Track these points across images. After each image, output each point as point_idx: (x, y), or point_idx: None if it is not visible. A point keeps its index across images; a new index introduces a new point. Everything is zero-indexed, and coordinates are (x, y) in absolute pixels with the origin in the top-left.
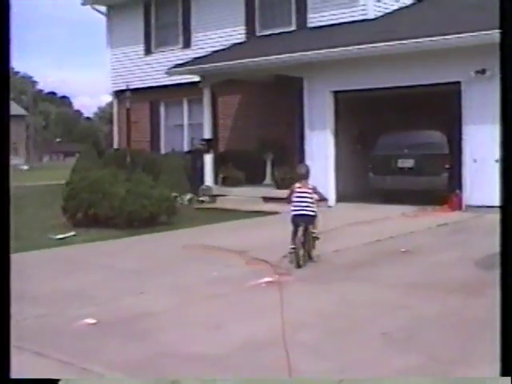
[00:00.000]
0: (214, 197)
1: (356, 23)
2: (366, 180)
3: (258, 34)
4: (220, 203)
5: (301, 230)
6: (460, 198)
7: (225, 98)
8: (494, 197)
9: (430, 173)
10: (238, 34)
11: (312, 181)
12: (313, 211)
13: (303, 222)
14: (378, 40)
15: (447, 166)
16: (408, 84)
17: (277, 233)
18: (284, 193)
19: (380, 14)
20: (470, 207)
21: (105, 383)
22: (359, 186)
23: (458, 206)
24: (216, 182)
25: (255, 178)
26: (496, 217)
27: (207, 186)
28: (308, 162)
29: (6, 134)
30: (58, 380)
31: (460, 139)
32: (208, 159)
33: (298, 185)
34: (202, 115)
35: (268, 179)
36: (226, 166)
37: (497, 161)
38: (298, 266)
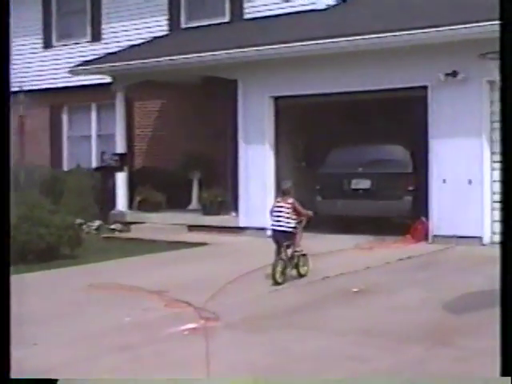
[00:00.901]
0: (128, 224)
1: (303, 14)
2: (312, 204)
3: (183, 25)
4: (135, 232)
5: (283, 245)
6: (426, 227)
7: (143, 103)
8: (467, 225)
9: (389, 196)
10: (159, 26)
11: (249, 204)
12: (289, 227)
13: (281, 237)
14: (328, 35)
15: (411, 188)
16: (364, 89)
17: (203, 269)
18: (213, 220)
19: (333, 2)
20: (437, 237)
21: (105, 383)
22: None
23: (424, 236)
24: (131, 206)
25: (179, 202)
26: (469, 249)
27: (120, 211)
28: (242, 182)
29: (7, 135)
30: (56, 380)
31: (426, 156)
32: (121, 178)
33: (278, 199)
34: (114, 124)
35: (194, 203)
36: (144, 187)
37: (470, 182)
38: (275, 283)
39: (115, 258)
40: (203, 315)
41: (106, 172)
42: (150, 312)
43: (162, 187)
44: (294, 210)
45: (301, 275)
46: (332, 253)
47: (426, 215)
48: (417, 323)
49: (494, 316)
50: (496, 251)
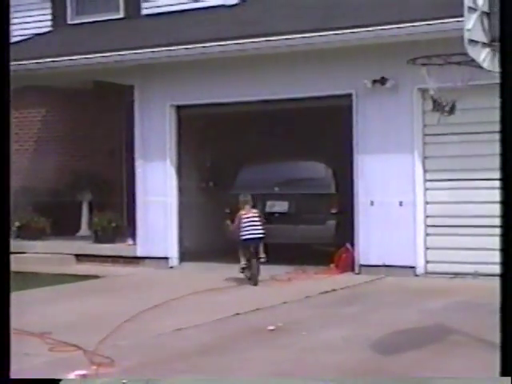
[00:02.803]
0: None
1: (211, 10)
2: (221, 230)
3: (70, 21)
4: (14, 264)
5: (249, 251)
6: (351, 255)
7: (22, 112)
8: (398, 253)
9: (310, 220)
10: (40, 21)
11: (148, 231)
12: (263, 234)
13: (255, 244)
14: (240, 35)
15: (334, 211)
16: (279, 97)
17: (94, 306)
18: (106, 248)
19: None
20: (365, 267)
21: (105, 383)
22: (212, 239)
23: (349, 266)
24: None
25: (66, 228)
26: (400, 280)
27: None
28: (140, 205)
29: (6, 134)
30: (58, 380)
31: (351, 174)
32: None
33: (243, 212)
34: None
35: (84, 229)
36: (24, 211)
37: (401, 204)
38: (255, 283)
39: None
40: (95, 360)
41: None
42: (31, 358)
43: (45, 211)
44: (260, 217)
45: (256, 284)
46: (244, 285)
47: (352, 242)
48: (339, 365)
49: (426, 357)
50: (430, 282)
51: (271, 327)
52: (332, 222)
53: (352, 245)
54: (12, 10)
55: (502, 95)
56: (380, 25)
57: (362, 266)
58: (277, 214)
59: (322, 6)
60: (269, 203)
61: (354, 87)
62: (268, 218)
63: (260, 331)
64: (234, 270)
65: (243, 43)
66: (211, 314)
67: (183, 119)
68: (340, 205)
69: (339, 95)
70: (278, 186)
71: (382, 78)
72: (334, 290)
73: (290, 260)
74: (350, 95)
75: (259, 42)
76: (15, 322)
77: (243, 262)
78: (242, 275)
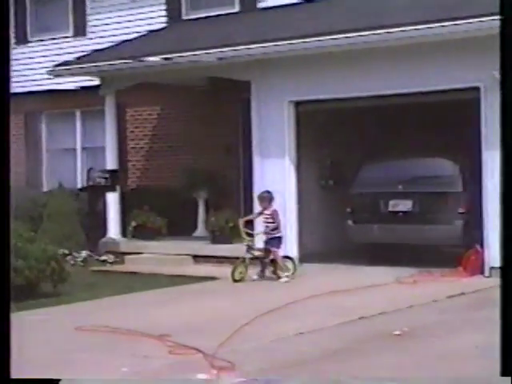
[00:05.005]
0: (121, 255)
1: (326, 1)
2: (342, 230)
3: (184, 17)
4: (130, 264)
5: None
6: (481, 257)
7: (137, 110)
8: None
9: (435, 220)
10: (155, 17)
11: None
12: (271, 234)
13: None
14: (362, 28)
15: (462, 210)
16: (400, 91)
17: (212, 307)
18: (224, 249)
19: None
20: (496, 270)
21: (104, 383)
22: (333, 240)
23: (479, 269)
24: (125, 233)
25: (182, 228)
26: None
27: (111, 238)
28: (257, 204)
29: (7, 135)
30: (58, 380)
31: (480, 171)
32: (112, 199)
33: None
34: (103, 135)
35: (201, 229)
36: (140, 210)
37: None
38: (233, 281)
39: (106, 295)
40: (216, 364)
41: (93, 192)
42: (151, 360)
43: (161, 210)
44: (273, 219)
45: (279, 278)
46: (368, 288)
47: (481, 243)
48: (473, 374)
49: None
50: None
51: (397, 332)
52: (459, 222)
53: (481, 246)
54: (126, 6)
55: (502, 95)
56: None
57: (492, 268)
58: (400, 214)
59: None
60: (392, 202)
61: (481, 80)
62: (391, 217)
63: (385, 336)
64: (356, 272)
65: (361, 36)
66: (334, 318)
67: (302, 115)
68: (468, 204)
69: (465, 88)
70: (401, 184)
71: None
72: (462, 293)
73: (415, 261)
74: (477, 88)
75: (380, 34)
76: (133, 323)
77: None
78: (363, 276)
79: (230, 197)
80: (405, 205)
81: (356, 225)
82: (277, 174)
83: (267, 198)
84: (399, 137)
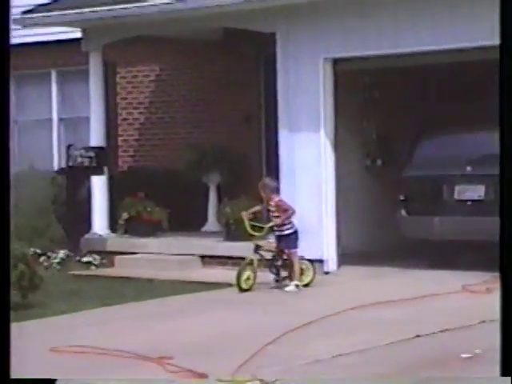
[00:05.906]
0: (109, 255)
1: None
2: (393, 223)
3: None
4: (121, 267)
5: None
6: None
7: (130, 70)
8: None
9: None
10: None
11: (297, 224)
12: (280, 231)
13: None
14: None
15: None
16: (471, 44)
17: (226, 322)
18: (241, 248)
19: None
20: None
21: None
22: (381, 236)
23: None
24: (114, 227)
25: (188, 221)
26: None
27: (97, 234)
28: (286, 189)
29: (6, 135)
30: (54, 380)
31: None
32: (98, 184)
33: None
34: (86, 103)
35: (212, 221)
36: (134, 198)
37: None
38: (240, 289)
39: (90, 307)
40: None
41: (74, 175)
42: None
43: (161, 198)
44: (277, 209)
45: (291, 281)
46: (426, 298)
47: None
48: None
49: None
50: None
51: (466, 355)
52: None
53: None
54: None
55: (502, 94)
56: None
57: None
58: (469, 203)
59: None
60: (458, 188)
61: None
62: (457, 207)
63: (450, 359)
64: (411, 277)
65: None
66: (382, 336)
67: (341, 76)
68: None
69: None
70: (470, 164)
71: None
72: None
73: (488, 263)
74: None
75: None
76: (125, 342)
77: None
78: (420, 283)
79: (248, 181)
80: (475, 191)
81: (411, 216)
82: (310, 152)
83: (269, 186)
84: (466, 104)
